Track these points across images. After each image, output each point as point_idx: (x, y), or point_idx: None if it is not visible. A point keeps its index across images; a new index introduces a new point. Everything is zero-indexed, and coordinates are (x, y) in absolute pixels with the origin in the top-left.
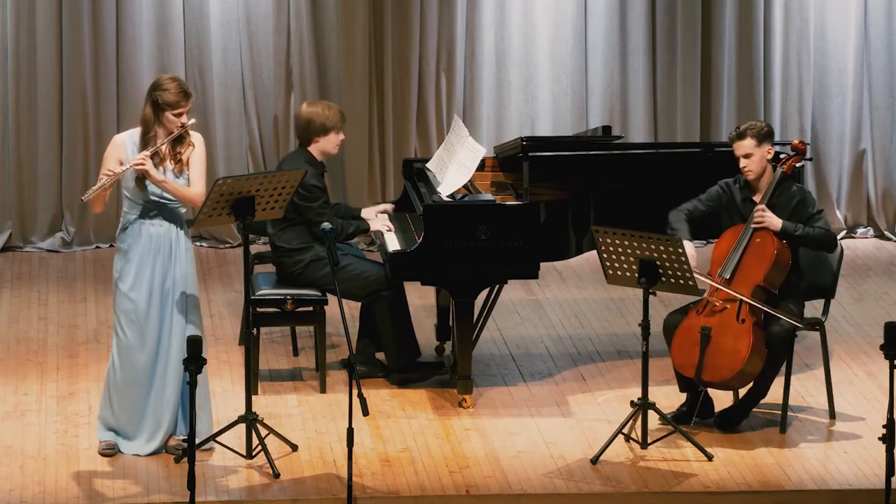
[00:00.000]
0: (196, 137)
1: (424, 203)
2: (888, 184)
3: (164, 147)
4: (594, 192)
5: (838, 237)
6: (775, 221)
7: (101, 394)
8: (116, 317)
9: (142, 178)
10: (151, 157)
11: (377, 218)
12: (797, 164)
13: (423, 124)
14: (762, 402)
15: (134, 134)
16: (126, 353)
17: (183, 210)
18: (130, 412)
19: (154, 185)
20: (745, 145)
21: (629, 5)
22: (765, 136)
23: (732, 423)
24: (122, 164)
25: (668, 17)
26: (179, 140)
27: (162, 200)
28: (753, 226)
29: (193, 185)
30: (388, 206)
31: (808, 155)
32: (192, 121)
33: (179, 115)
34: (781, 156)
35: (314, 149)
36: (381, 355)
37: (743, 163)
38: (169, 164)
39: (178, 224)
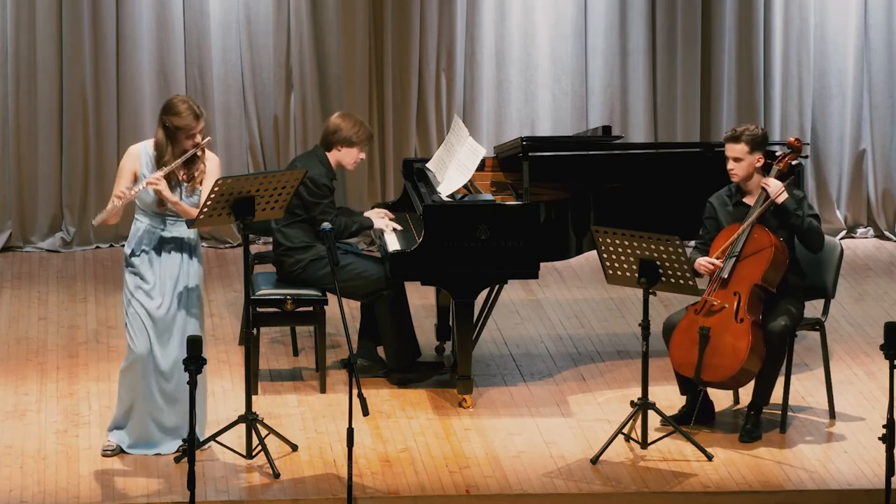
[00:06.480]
0: (212, 159)
1: (424, 203)
2: (888, 184)
3: (177, 168)
4: (594, 192)
5: (837, 238)
6: (782, 193)
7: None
8: (128, 322)
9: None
10: (166, 177)
11: (381, 219)
12: (793, 162)
13: (423, 124)
14: None
15: (149, 146)
16: (138, 358)
17: None
18: (140, 414)
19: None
20: (738, 149)
21: (629, 5)
22: (759, 144)
23: (755, 437)
24: (136, 178)
25: (668, 17)
26: (192, 160)
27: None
28: (763, 185)
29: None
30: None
31: (805, 153)
32: (208, 138)
33: (192, 136)
34: (777, 153)
35: (332, 156)
36: (381, 352)
37: (731, 165)
38: (182, 180)
39: (188, 230)
